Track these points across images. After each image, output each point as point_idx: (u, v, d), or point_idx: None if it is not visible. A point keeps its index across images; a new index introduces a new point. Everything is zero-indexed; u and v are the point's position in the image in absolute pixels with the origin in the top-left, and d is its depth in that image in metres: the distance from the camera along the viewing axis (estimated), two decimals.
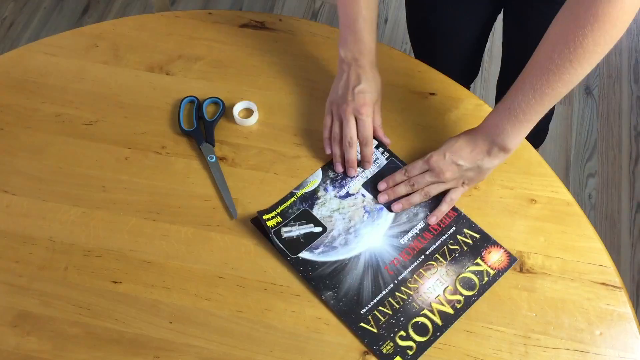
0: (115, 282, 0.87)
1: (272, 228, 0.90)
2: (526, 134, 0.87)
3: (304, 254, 0.89)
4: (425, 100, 1.03)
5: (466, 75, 1.38)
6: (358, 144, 0.95)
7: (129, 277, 0.87)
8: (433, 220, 0.91)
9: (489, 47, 1.32)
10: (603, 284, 0.86)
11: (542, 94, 0.82)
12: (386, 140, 0.98)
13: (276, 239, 0.89)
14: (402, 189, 0.92)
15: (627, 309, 0.84)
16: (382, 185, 0.94)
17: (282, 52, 1.09)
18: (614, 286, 0.86)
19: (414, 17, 1.27)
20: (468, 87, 1.39)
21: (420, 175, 0.91)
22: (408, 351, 0.82)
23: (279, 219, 0.91)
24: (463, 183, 0.91)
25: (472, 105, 1.02)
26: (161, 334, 0.83)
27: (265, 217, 0.91)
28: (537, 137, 1.55)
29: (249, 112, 1.02)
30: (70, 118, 1.02)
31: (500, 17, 1.23)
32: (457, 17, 1.18)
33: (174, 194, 0.95)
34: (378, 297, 0.85)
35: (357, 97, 0.93)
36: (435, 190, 0.91)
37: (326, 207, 0.93)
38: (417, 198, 0.92)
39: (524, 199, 0.93)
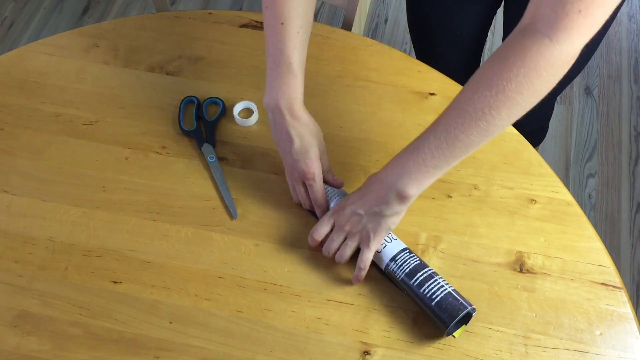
0: (115, 282, 0.87)
1: None
2: (429, 184, 0.79)
3: None
4: (425, 100, 1.03)
5: (467, 72, 1.37)
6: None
7: (128, 277, 0.88)
8: (355, 281, 0.86)
9: (488, 46, 1.32)
10: (603, 284, 0.86)
11: (455, 138, 0.75)
12: (337, 182, 0.91)
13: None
14: (325, 253, 0.86)
15: (627, 309, 0.84)
16: (310, 240, 0.88)
17: None
18: (614, 286, 0.86)
19: (414, 12, 1.27)
20: None
21: (330, 237, 0.85)
22: None
23: None
24: (369, 238, 0.83)
25: None
26: (161, 334, 0.83)
27: None
28: (536, 135, 1.55)
29: (249, 112, 1.02)
30: (70, 118, 1.02)
31: (500, 14, 1.23)
32: (458, 12, 1.18)
33: (174, 194, 0.95)
34: None
35: (297, 164, 0.87)
36: (349, 250, 0.84)
37: None
38: (337, 260, 0.86)
39: (524, 199, 0.93)
